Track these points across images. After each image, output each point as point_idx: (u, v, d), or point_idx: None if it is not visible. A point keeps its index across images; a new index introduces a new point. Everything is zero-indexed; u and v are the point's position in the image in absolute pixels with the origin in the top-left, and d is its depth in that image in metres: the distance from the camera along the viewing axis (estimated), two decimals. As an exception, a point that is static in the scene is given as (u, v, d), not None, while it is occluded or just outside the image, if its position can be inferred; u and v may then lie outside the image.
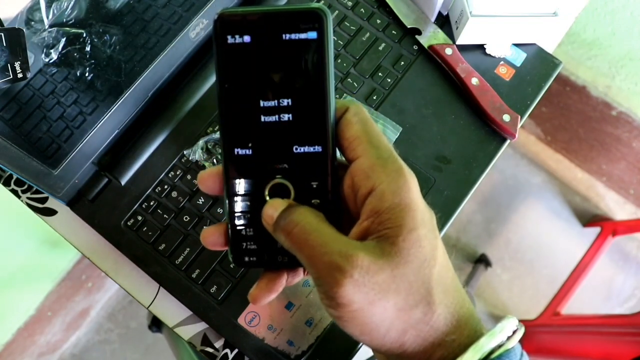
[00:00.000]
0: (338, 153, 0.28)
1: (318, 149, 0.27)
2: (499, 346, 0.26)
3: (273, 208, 0.27)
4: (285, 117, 0.27)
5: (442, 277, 0.26)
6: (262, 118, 0.27)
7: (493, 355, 0.25)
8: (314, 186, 0.27)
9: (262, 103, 0.26)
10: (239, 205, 0.28)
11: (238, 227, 0.29)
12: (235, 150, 0.27)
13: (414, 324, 0.25)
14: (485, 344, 0.25)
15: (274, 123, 0.27)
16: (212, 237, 0.29)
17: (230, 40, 0.26)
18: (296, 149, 0.27)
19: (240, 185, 0.28)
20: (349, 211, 0.28)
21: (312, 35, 0.25)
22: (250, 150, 0.27)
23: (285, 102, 0.26)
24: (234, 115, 0.27)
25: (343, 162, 0.28)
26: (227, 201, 0.28)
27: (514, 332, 0.27)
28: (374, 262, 0.24)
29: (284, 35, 0.25)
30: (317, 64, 0.26)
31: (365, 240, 0.26)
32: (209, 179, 0.29)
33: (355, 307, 0.24)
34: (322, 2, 0.54)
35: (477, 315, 0.28)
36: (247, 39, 0.26)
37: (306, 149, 0.27)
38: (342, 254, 0.24)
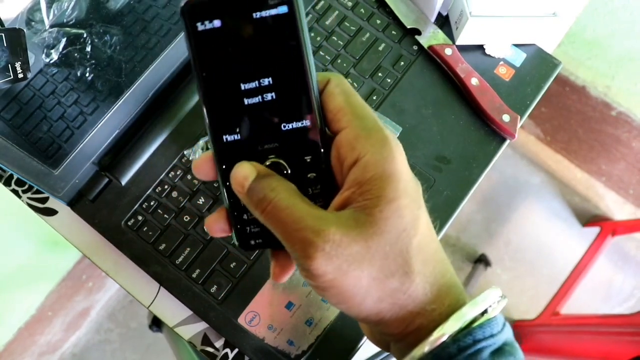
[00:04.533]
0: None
1: (306, 123, 0.27)
2: (482, 314, 0.26)
3: (242, 175, 0.26)
4: (269, 96, 0.26)
5: (422, 247, 0.26)
6: (246, 101, 0.26)
7: (474, 324, 0.25)
8: (308, 160, 0.27)
9: (242, 86, 0.26)
10: None
11: (238, 213, 0.28)
12: (224, 137, 0.27)
13: (390, 292, 0.25)
14: (467, 313, 0.26)
15: (258, 104, 0.26)
16: (216, 225, 0.29)
17: (200, 27, 0.25)
18: (284, 126, 0.27)
19: None
20: (337, 183, 0.28)
21: (283, 9, 0.25)
22: (239, 135, 0.27)
23: (265, 81, 0.26)
24: (216, 103, 0.27)
25: (329, 134, 0.28)
26: (224, 189, 0.28)
27: (498, 303, 0.27)
28: (346, 234, 0.24)
29: (254, 14, 0.25)
30: (292, 39, 0.26)
31: (344, 210, 0.26)
32: (204, 165, 0.28)
33: (329, 278, 0.25)
34: (322, 2, 0.54)
35: (460, 285, 0.28)
36: (217, 23, 0.25)
37: (294, 125, 0.27)
38: (314, 229, 0.24)
